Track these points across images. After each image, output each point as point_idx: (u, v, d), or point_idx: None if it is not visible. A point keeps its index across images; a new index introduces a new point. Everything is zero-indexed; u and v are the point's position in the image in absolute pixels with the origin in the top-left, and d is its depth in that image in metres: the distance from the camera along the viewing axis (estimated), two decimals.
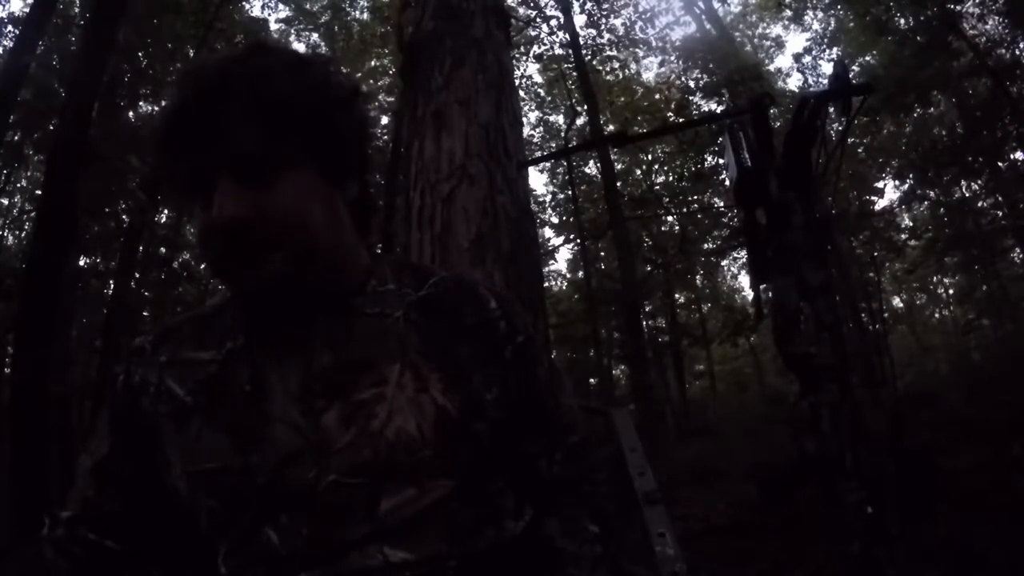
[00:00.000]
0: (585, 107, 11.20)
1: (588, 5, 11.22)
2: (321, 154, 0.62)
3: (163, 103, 0.61)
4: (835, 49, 11.38)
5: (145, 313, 10.04)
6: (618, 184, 11.30)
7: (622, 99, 13.36)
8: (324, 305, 0.65)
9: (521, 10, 11.33)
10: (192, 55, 9.49)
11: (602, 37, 11.83)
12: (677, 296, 16.01)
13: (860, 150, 11.54)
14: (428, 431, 0.60)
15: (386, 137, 10.20)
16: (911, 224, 13.55)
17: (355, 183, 0.68)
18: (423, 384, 0.62)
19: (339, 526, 0.56)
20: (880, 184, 12.41)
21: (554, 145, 13.55)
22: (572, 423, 0.74)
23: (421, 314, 0.66)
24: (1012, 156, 10.04)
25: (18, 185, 11.18)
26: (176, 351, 0.66)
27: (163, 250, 10.43)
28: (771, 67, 13.95)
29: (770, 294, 1.94)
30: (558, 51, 11.93)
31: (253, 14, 11.66)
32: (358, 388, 0.61)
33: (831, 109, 1.85)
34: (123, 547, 0.63)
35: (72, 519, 0.63)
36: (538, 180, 32.31)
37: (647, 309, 14.49)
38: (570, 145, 11.25)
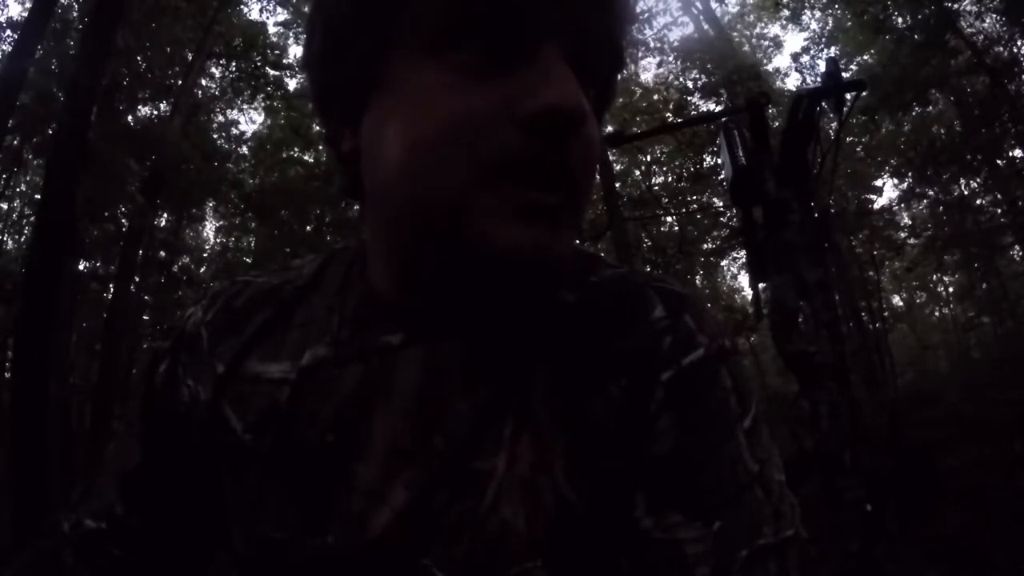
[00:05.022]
0: None
1: None
2: (604, 104, 0.45)
3: None
4: (833, 48, 11.40)
5: (145, 317, 10.06)
6: (617, 185, 11.31)
7: (620, 100, 13.37)
8: (481, 316, 0.44)
9: None
10: (191, 59, 9.52)
11: None
12: None
13: (859, 149, 11.55)
14: (541, 532, 0.40)
15: None
16: (910, 222, 13.57)
17: None
18: (544, 458, 0.41)
19: None
20: (879, 182, 12.43)
21: None
22: (774, 515, 0.41)
23: (563, 335, 0.45)
24: (1011, 153, 10.05)
25: (17, 189, 11.18)
26: (239, 356, 0.48)
27: (163, 254, 10.44)
28: (769, 67, 13.95)
29: (768, 292, 1.95)
30: None
31: (252, 17, 11.67)
32: (479, 452, 0.42)
33: (825, 106, 1.86)
34: (157, 563, 0.51)
35: (98, 532, 0.49)
36: None
37: None
38: None
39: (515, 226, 0.36)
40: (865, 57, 11.40)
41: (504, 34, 0.36)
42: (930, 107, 10.42)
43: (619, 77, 0.46)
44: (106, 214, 8.23)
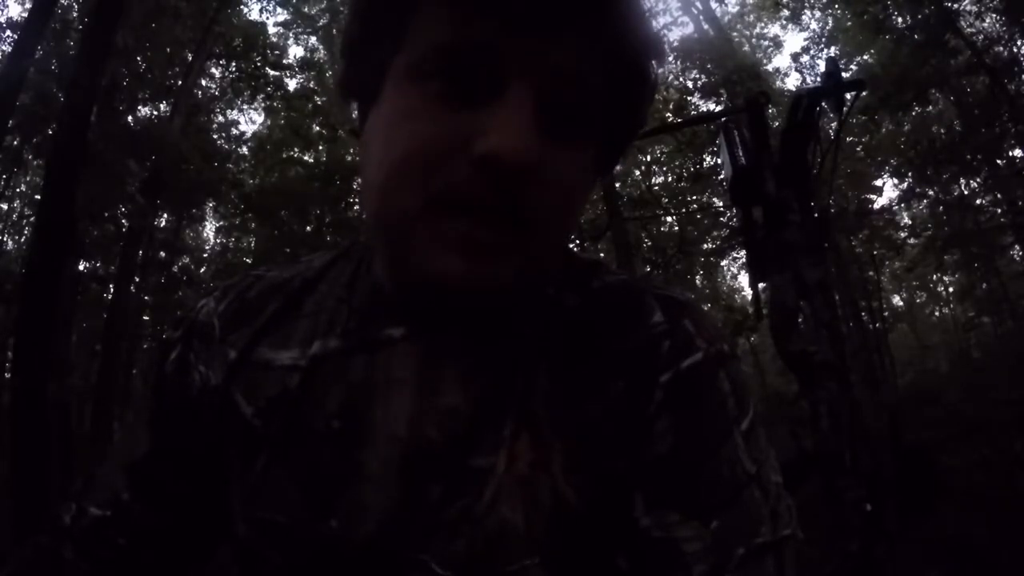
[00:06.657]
0: None
1: None
2: (614, 131, 0.44)
3: None
4: (833, 48, 11.39)
5: (145, 317, 10.06)
6: (616, 185, 11.31)
7: None
8: (472, 315, 0.45)
9: None
10: (191, 59, 9.52)
11: None
12: None
13: (859, 149, 11.54)
14: (539, 530, 0.41)
15: None
16: (910, 222, 13.56)
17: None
18: (542, 456, 0.42)
19: None
20: (879, 182, 12.42)
21: None
22: (771, 515, 0.42)
23: (564, 338, 0.46)
24: (1011, 153, 10.04)
25: (17, 190, 11.19)
26: (250, 343, 0.49)
27: (163, 254, 10.44)
28: (769, 67, 13.95)
29: (768, 292, 1.95)
30: None
31: (252, 17, 11.66)
32: (478, 449, 0.42)
33: (825, 106, 1.86)
34: (160, 555, 0.51)
35: (102, 520, 0.49)
36: None
37: None
38: None
39: (449, 256, 0.38)
40: (865, 57, 11.39)
41: (470, 69, 0.37)
42: (930, 107, 10.42)
43: (632, 133, 0.47)
44: (106, 214, 8.22)
